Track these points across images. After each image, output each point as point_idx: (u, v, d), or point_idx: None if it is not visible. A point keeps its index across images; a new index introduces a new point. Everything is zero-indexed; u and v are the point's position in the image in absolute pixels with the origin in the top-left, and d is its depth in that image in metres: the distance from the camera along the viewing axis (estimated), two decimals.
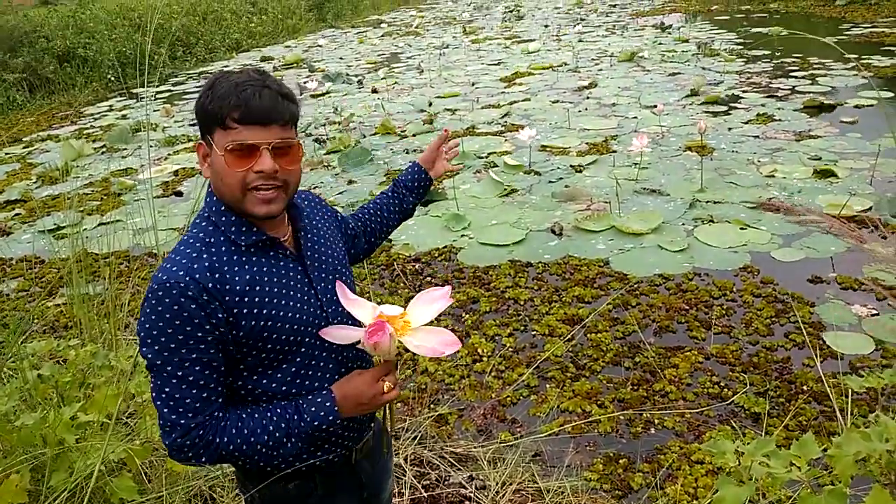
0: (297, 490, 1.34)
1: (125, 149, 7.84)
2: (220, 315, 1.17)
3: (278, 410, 1.24)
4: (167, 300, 1.14)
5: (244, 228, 1.23)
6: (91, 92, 12.14)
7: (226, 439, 1.19)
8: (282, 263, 1.28)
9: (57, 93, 11.85)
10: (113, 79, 12.04)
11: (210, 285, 1.17)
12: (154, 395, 1.18)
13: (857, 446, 1.08)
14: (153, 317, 1.15)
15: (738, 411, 2.80)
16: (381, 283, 4.20)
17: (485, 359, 3.33)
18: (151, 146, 7.84)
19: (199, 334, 1.16)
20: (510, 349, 3.38)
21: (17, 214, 6.02)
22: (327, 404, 1.25)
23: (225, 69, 1.25)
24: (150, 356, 1.16)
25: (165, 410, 1.17)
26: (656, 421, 2.79)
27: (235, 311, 1.19)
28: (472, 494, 2.40)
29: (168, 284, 1.15)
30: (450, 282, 4.10)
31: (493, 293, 3.91)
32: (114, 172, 6.87)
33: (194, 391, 1.17)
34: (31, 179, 7.04)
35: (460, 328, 3.61)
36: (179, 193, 6.09)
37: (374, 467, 1.49)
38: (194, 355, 1.16)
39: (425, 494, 2.42)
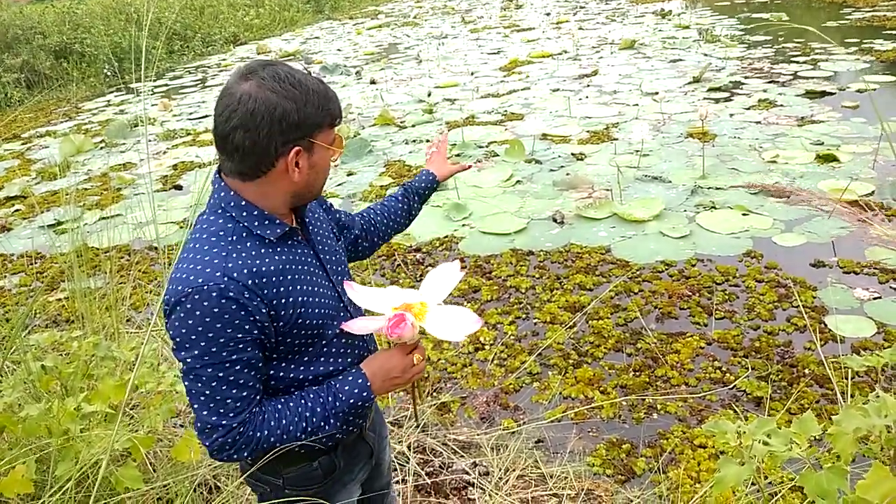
0: (321, 467, 1.39)
1: (124, 143, 7.83)
2: (262, 310, 1.17)
3: (311, 395, 1.27)
4: (205, 303, 1.12)
5: (267, 223, 1.23)
6: (88, 87, 12.12)
7: (266, 432, 1.21)
8: (299, 252, 1.29)
9: (54, 89, 11.83)
10: (110, 74, 12.01)
11: (249, 282, 1.16)
12: (192, 397, 1.18)
13: (856, 423, 1.08)
14: (189, 321, 1.13)
15: (740, 396, 2.80)
16: (381, 272, 4.21)
17: (487, 347, 3.33)
18: (150, 140, 7.84)
19: (240, 335, 1.15)
20: (512, 337, 3.39)
21: (16, 210, 6.02)
22: (360, 381, 1.29)
23: (300, 70, 1.21)
24: (189, 360, 1.15)
25: (205, 413, 1.17)
26: (658, 406, 2.80)
27: (275, 302, 1.20)
28: (475, 480, 2.41)
29: (206, 287, 1.13)
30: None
31: (494, 282, 3.91)
32: (113, 167, 6.87)
33: (234, 391, 1.17)
34: (30, 175, 7.04)
35: None
36: (179, 187, 6.09)
37: (377, 435, 1.57)
38: (235, 356, 1.16)
39: (429, 481, 2.43)
